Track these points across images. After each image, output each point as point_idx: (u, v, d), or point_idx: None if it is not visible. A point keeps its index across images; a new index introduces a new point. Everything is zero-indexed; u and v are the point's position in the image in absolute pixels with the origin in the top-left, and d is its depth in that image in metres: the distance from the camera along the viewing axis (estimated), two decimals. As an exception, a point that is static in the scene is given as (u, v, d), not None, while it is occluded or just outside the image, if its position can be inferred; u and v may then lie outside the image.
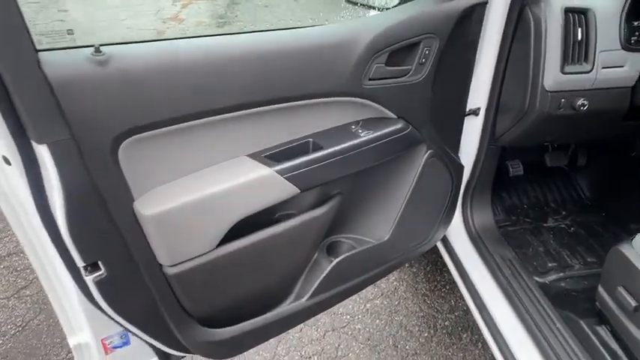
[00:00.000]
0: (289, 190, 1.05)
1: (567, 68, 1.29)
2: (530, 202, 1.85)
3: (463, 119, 1.47)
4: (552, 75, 1.28)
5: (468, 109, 1.47)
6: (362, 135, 1.16)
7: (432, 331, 1.97)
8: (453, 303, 2.10)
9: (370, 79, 1.12)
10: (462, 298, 2.11)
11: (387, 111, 1.20)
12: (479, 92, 1.45)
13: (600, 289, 1.24)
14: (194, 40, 0.92)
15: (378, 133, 1.18)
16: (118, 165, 0.86)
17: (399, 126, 1.22)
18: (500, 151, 1.59)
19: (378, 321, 2.02)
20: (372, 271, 1.38)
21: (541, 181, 1.91)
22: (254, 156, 1.05)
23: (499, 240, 1.62)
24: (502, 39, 1.38)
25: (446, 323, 2.01)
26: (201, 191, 0.94)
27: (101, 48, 0.79)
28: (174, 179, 0.95)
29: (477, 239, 1.61)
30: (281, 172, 1.03)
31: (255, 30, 1.01)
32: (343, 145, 1.12)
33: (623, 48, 1.32)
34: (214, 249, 1.01)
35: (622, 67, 1.33)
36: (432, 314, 2.05)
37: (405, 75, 1.18)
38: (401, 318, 2.04)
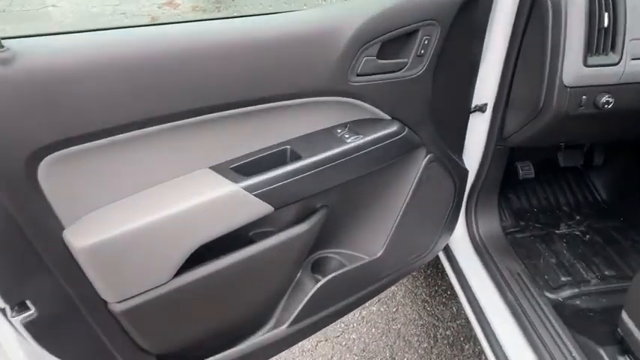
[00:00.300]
0: (261, 208, 0.88)
1: (591, 60, 1.09)
2: (541, 205, 1.66)
3: (468, 117, 1.28)
4: (573, 68, 1.09)
5: (473, 105, 1.28)
6: (349, 140, 0.98)
7: (432, 342, 1.82)
8: (454, 310, 1.94)
9: (358, 75, 0.93)
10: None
11: (378, 111, 1.01)
12: (486, 86, 1.26)
13: (624, 315, 1.06)
14: (132, 30, 0.74)
15: (369, 138, 0.99)
16: (39, 187, 0.68)
17: (393, 128, 1.03)
18: (508, 152, 1.40)
19: (374, 330, 1.87)
20: (363, 291, 1.21)
21: (552, 181, 1.71)
22: (218, 168, 0.87)
23: (506, 249, 1.44)
24: (514, 26, 1.18)
25: (447, 333, 1.85)
26: (148, 215, 0.77)
27: (3, 42, 0.60)
28: (114, 201, 0.78)
29: (481, 248, 1.43)
30: (250, 188, 0.85)
31: (217, 17, 0.82)
32: (327, 154, 0.94)
33: None
34: (171, 280, 0.85)
35: None
36: (432, 323, 1.89)
37: (401, 69, 0.99)
38: (399, 327, 1.88)
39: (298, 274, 1.12)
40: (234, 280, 0.95)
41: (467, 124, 1.28)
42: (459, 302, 2.00)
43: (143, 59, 0.72)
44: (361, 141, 0.98)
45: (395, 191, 1.16)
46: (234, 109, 0.83)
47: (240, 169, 0.87)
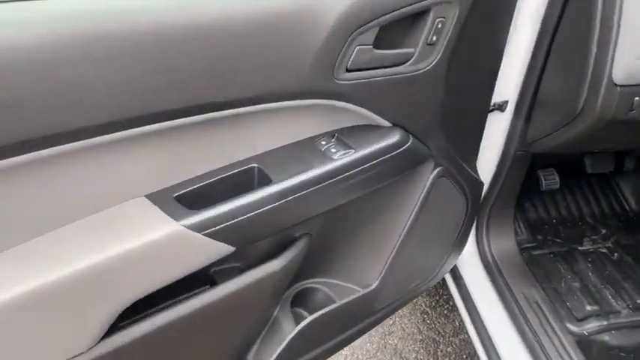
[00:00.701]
0: (216, 251, 0.64)
1: None
2: (561, 215, 1.42)
3: (486, 118, 1.03)
4: (626, 61, 0.83)
5: (491, 103, 1.03)
6: (337, 156, 0.74)
7: (431, 359, 1.62)
8: (457, 324, 1.73)
9: (349, 70, 0.69)
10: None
11: (375, 116, 0.77)
12: (508, 80, 1.01)
13: None
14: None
15: (363, 152, 0.75)
16: None
17: (394, 138, 0.79)
18: (530, 159, 1.16)
19: (368, 345, 1.66)
20: (354, 327, 0.99)
21: (573, 188, 1.47)
22: (158, 197, 0.63)
23: (522, 271, 1.21)
24: (548, 5, 0.92)
25: (448, 349, 1.65)
26: (55, 268, 0.54)
27: None
28: (5, 247, 0.55)
29: (493, 268, 1.21)
30: (200, 226, 0.61)
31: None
32: (306, 175, 0.70)
33: None
34: (96, 345, 0.62)
35: None
36: (432, 337, 1.69)
37: (405, 62, 0.74)
38: (396, 341, 1.67)
39: (275, 312, 0.90)
40: (188, 333, 0.72)
41: (484, 127, 1.04)
42: (461, 314, 1.80)
43: (55, 51, 0.48)
44: (352, 156, 0.74)
45: (395, 212, 0.92)
46: (180, 118, 0.60)
47: (188, 198, 0.64)
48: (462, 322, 1.75)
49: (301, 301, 0.96)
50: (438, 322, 1.74)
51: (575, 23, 0.91)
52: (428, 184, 0.91)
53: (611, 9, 0.81)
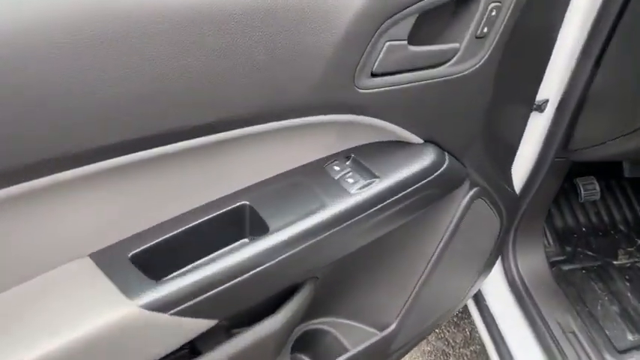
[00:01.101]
0: (192, 328, 0.46)
1: None
2: (591, 223, 1.25)
3: (527, 121, 0.84)
4: None
5: None
6: (355, 187, 0.54)
7: (441, 373, 1.47)
8: (467, 333, 1.58)
9: (374, 75, 0.49)
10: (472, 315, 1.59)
11: (403, 131, 0.57)
12: (550, 76, 0.81)
13: None
14: None
15: (390, 181, 0.56)
16: None
17: (428, 159, 0.60)
18: (569, 166, 0.98)
19: (373, 358, 1.51)
20: None
21: (604, 191, 1.30)
22: (107, 257, 0.44)
23: (553, 292, 1.05)
24: None
25: (459, 362, 1.50)
26: None
27: None
28: None
29: (520, 290, 1.04)
30: (165, 305, 0.42)
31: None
32: (315, 219, 0.51)
33: None
34: None
35: None
36: (441, 348, 1.54)
37: (446, 62, 0.54)
38: (402, 353, 1.52)
39: None
40: None
41: (524, 131, 0.85)
42: (473, 323, 1.64)
43: None
44: (377, 188, 0.54)
45: (421, 242, 0.74)
46: (144, 149, 0.40)
47: (150, 258, 0.45)
48: (472, 331, 1.60)
49: (305, 345, 0.79)
50: (448, 332, 1.59)
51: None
52: (461, 208, 0.72)
53: None
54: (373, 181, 0.54)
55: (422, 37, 0.53)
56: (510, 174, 0.87)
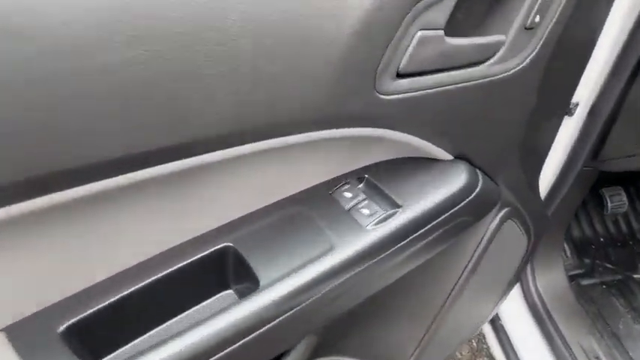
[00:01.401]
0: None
1: None
2: (609, 233, 1.17)
3: (559, 125, 0.74)
4: None
5: None
6: (370, 220, 0.44)
7: (446, 387, 1.38)
8: (474, 344, 1.49)
9: (400, 76, 0.38)
10: (485, 336, 1.50)
11: (430, 146, 0.47)
12: (584, 78, 0.71)
13: None
14: None
15: (416, 212, 0.45)
16: None
17: (460, 181, 0.49)
18: (597, 176, 0.88)
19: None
20: None
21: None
22: (26, 330, 0.32)
23: (574, 312, 0.96)
24: None
25: (465, 375, 1.42)
26: None
27: None
28: None
29: (540, 311, 0.95)
30: None
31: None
32: (320, 266, 0.39)
33: None
34: None
35: None
36: (446, 360, 1.45)
37: (488, 59, 0.44)
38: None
39: None
40: None
41: (554, 138, 0.75)
42: (480, 332, 1.56)
43: None
44: (398, 221, 0.44)
45: (441, 275, 0.64)
46: (97, 180, 0.29)
47: (88, 331, 0.33)
48: (480, 341, 1.52)
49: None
50: (452, 343, 1.51)
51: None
52: (489, 233, 0.62)
53: None
54: (395, 212, 0.44)
55: (459, 27, 0.42)
56: (538, 185, 0.77)
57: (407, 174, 0.49)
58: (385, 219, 0.43)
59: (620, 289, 1.04)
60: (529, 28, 0.44)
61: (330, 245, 0.41)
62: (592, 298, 1.02)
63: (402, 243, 0.44)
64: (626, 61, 0.69)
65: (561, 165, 0.83)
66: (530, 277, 0.98)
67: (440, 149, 0.49)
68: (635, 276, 1.07)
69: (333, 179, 0.46)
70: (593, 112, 0.76)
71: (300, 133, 0.36)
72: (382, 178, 0.48)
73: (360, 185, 0.47)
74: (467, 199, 0.50)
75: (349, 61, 0.34)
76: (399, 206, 0.45)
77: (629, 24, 0.66)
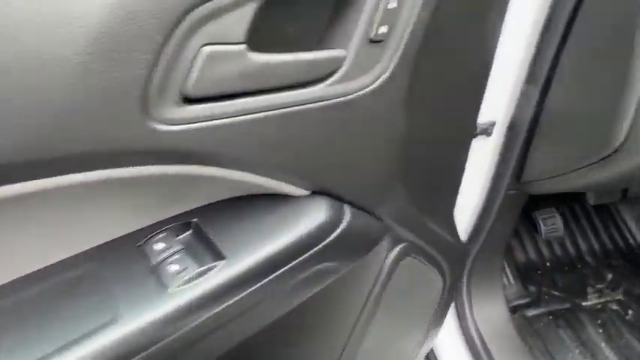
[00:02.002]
0: None
1: None
2: (555, 257, 1.08)
3: (468, 150, 0.66)
4: None
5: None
6: (174, 280, 0.33)
7: None
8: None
9: (190, 101, 0.29)
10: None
11: (271, 182, 0.37)
12: (495, 94, 0.64)
13: None
14: None
15: (239, 267, 0.35)
16: None
17: (315, 220, 0.40)
18: (526, 198, 0.80)
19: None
20: None
21: (567, 220, 1.13)
22: None
23: (516, 347, 0.86)
24: None
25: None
26: None
27: None
28: None
29: (478, 347, 0.85)
30: None
31: None
32: (87, 348, 0.29)
33: None
34: None
35: None
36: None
37: (327, 78, 0.35)
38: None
39: None
40: None
41: (465, 164, 0.66)
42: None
43: None
44: (216, 278, 0.34)
45: (336, 314, 0.53)
46: None
47: None
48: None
49: None
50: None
51: (605, 7, 0.54)
52: (385, 269, 0.52)
53: None
54: (214, 266, 0.34)
55: (291, 42, 0.33)
56: (452, 217, 0.68)
57: (249, 215, 0.39)
58: (198, 276, 0.34)
59: (568, 320, 0.94)
60: (376, 41, 0.36)
61: (115, 314, 0.31)
62: (537, 331, 0.92)
63: (225, 304, 0.34)
64: (538, 71, 0.62)
65: (485, 189, 0.74)
66: (467, 312, 0.87)
67: (289, 185, 0.39)
68: (584, 304, 0.98)
69: (150, 226, 0.37)
70: (511, 129, 0.69)
71: (51, 176, 0.27)
72: (215, 222, 0.38)
73: (183, 235, 0.37)
74: (326, 240, 0.40)
75: (89, 84, 0.25)
76: (222, 258, 0.35)
77: (539, 28, 0.59)
